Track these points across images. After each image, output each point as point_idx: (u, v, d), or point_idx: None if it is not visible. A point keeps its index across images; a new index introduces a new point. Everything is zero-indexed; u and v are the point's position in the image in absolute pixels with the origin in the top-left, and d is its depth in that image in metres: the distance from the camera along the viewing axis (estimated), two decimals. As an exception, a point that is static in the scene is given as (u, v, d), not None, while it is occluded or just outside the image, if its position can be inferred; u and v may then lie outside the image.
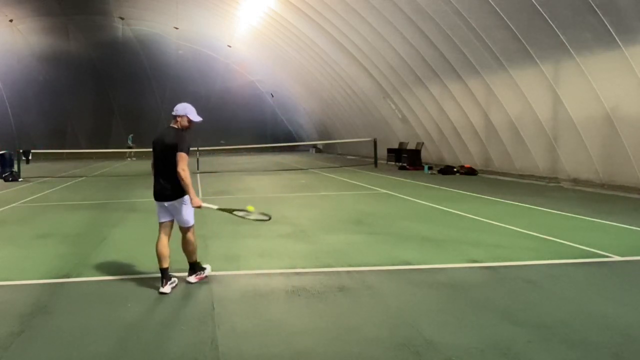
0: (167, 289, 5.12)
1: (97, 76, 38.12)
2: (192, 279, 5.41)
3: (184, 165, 5.09)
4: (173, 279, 5.28)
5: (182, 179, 5.08)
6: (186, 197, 5.24)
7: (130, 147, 34.06)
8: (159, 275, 5.21)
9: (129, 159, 33.97)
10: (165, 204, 5.27)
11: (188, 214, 5.31)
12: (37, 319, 4.47)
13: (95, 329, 4.25)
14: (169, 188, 5.21)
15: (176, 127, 5.35)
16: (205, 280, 5.49)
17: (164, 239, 5.32)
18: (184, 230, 5.37)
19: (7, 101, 37.11)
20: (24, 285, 5.59)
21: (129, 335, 4.09)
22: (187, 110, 5.36)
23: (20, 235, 8.35)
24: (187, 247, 5.41)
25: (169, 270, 5.24)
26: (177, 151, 5.11)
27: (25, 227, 9.11)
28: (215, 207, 5.57)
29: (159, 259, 5.24)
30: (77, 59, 37.15)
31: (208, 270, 5.58)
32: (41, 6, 31.34)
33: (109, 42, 37.02)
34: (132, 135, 34.98)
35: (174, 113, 5.39)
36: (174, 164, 5.11)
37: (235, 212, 5.53)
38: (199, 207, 5.26)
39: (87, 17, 34.16)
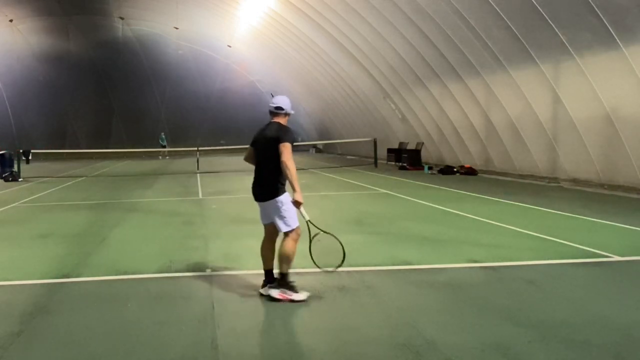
0: (266, 290, 4.90)
1: (97, 76, 38.13)
2: (275, 292, 4.77)
3: (287, 154, 4.68)
4: (275, 284, 4.93)
5: (287, 169, 4.64)
6: (282, 198, 4.82)
7: (163, 147, 34.31)
8: (159, 275, 5.20)
9: (160, 157, 34.14)
10: (262, 204, 4.95)
11: (284, 215, 4.82)
12: (37, 319, 4.47)
13: (95, 329, 4.25)
14: (266, 186, 4.88)
15: (281, 122, 4.99)
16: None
17: (265, 241, 5.07)
18: (284, 234, 4.90)
19: (7, 101, 37.10)
20: (24, 285, 5.59)
21: (129, 335, 4.09)
22: (292, 106, 5.09)
23: (20, 235, 8.35)
24: (279, 251, 4.86)
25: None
26: (279, 143, 4.73)
27: (25, 227, 9.10)
28: (308, 218, 4.92)
29: (262, 260, 5.06)
30: (77, 59, 37.16)
31: (300, 297, 4.76)
32: (41, 6, 31.36)
33: (109, 42, 37.04)
34: (163, 133, 35.29)
35: (283, 111, 4.99)
36: (273, 160, 4.77)
37: (316, 237, 5.06)
38: (299, 204, 4.74)
39: (87, 17, 34.18)
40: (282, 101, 5.04)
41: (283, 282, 4.80)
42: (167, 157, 34.32)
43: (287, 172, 4.66)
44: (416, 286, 5.27)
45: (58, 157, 33.00)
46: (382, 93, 23.30)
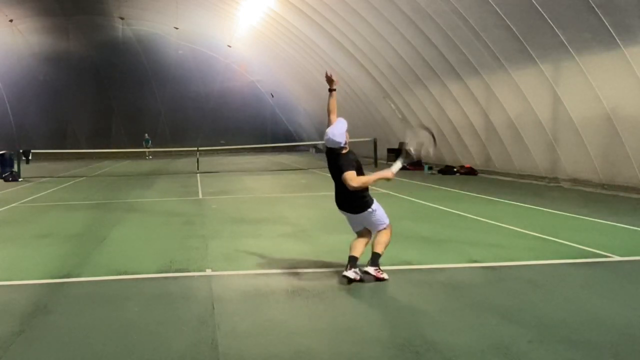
0: (350, 273, 5.24)
1: (97, 76, 38.12)
2: (372, 269, 5.29)
3: (351, 180, 5.10)
4: (358, 270, 5.36)
5: (362, 186, 5.19)
6: (373, 206, 5.30)
7: (147, 147, 34.54)
8: (158, 275, 5.21)
9: (148, 157, 34.42)
10: (353, 216, 5.42)
11: (377, 219, 5.36)
12: (37, 319, 4.47)
13: (95, 329, 4.25)
14: (354, 202, 5.33)
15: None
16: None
17: (359, 240, 5.47)
18: (381, 230, 5.41)
19: (7, 101, 37.10)
20: (24, 285, 5.59)
21: (129, 335, 4.09)
22: (347, 127, 5.38)
23: (20, 235, 8.35)
24: (379, 239, 5.37)
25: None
26: (341, 174, 5.15)
27: (25, 227, 9.10)
28: (400, 163, 5.38)
29: (350, 248, 5.38)
30: (77, 59, 37.15)
31: (386, 276, 5.35)
32: (41, 6, 31.33)
33: (109, 42, 37.02)
34: (147, 134, 35.68)
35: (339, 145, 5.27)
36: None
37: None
38: (393, 175, 5.30)
39: (87, 17, 34.16)
40: (337, 133, 5.25)
41: (377, 261, 5.32)
42: (150, 157, 34.55)
43: (365, 185, 5.21)
44: (416, 286, 5.28)
45: (58, 157, 32.97)
46: (382, 93, 23.30)
